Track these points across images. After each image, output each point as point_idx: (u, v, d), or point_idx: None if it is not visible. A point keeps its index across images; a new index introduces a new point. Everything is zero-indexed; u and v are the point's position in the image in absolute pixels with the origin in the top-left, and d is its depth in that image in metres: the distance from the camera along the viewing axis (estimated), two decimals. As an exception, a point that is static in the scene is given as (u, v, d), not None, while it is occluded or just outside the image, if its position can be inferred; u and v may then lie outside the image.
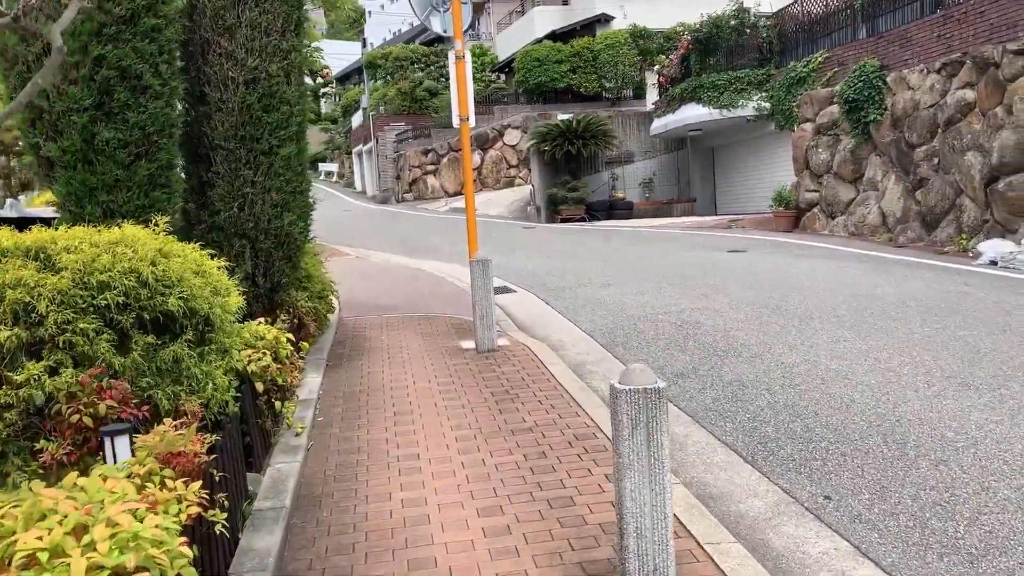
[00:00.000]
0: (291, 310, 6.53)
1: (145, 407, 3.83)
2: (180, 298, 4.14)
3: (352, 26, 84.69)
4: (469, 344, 7.68)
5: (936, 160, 14.24)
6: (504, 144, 30.32)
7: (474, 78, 36.96)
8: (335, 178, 45.10)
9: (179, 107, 6.10)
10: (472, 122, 7.63)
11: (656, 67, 24.19)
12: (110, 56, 5.21)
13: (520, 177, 30.39)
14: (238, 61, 6.05)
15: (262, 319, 5.31)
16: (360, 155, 38.73)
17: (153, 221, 4.60)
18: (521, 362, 6.90)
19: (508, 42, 36.75)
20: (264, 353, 4.76)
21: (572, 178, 23.61)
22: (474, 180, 31.11)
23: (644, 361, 7.21)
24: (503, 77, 37.48)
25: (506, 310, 9.93)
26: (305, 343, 5.97)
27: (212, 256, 4.89)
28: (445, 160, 30.77)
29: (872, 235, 15.75)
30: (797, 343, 7.34)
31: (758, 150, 21.61)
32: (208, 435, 3.62)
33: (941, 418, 5.24)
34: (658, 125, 23.48)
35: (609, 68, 29.79)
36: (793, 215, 17.91)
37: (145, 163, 5.36)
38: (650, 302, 9.72)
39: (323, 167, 47.47)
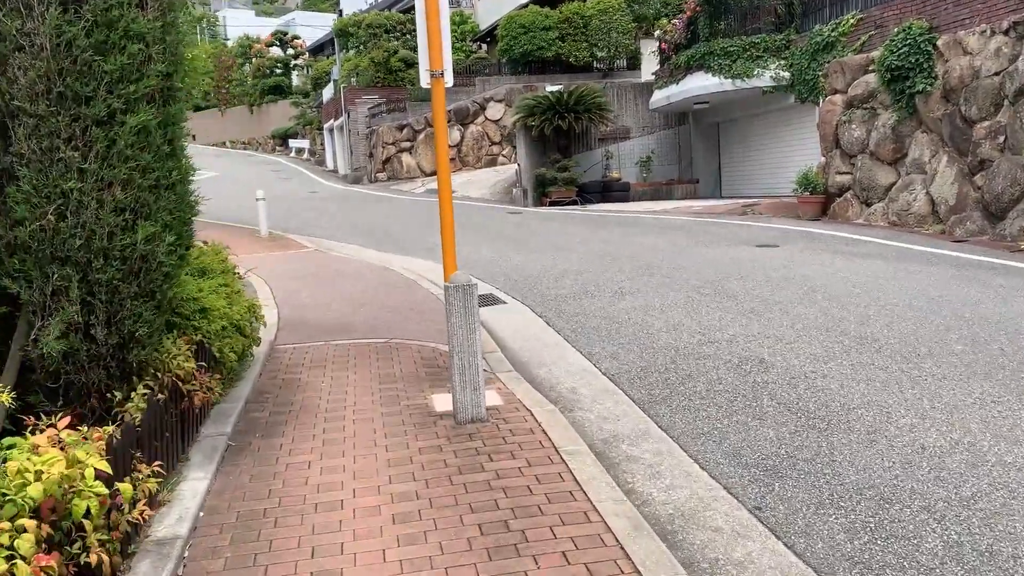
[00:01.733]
0: (160, 375, 4.09)
1: None
2: None
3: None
4: (444, 404, 5.28)
5: (1002, 138, 11.94)
6: (486, 119, 27.79)
7: (454, 48, 34.33)
8: (306, 155, 42.28)
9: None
10: (449, 80, 5.20)
11: (657, 32, 21.70)
12: None
13: (503, 155, 27.92)
14: (50, -34, 3.58)
15: (64, 421, 2.88)
16: (331, 131, 35.97)
17: None
18: (524, 448, 4.50)
19: (491, 8, 34.08)
20: (23, 531, 2.34)
21: (562, 156, 21.15)
22: (453, 159, 28.58)
23: (707, 435, 4.86)
24: (484, 47, 34.85)
25: (495, 332, 7.55)
26: (143, 472, 3.44)
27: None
28: (422, 136, 28.18)
29: (919, 225, 13.46)
30: (925, 405, 5.01)
31: (774, 126, 19.26)
32: None
33: None
34: (659, 97, 21.04)
35: (601, 36, 27.25)
36: (821, 201, 15.59)
37: None
38: (685, 323, 7.36)
39: (293, 144, 44.59)
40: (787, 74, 17.40)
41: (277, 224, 17.54)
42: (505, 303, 8.89)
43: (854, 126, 14.99)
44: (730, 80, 18.14)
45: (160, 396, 3.96)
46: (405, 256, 12.95)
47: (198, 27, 75.49)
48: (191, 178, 4.32)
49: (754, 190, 20.22)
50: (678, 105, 20.65)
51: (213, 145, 51.35)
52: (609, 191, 21.41)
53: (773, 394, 5.38)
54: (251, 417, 5.20)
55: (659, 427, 4.98)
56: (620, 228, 15.10)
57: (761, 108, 19.01)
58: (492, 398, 5.31)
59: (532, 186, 21.20)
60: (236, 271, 6.18)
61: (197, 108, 55.81)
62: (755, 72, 17.76)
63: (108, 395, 3.87)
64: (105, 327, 3.77)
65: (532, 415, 4.99)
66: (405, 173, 28.31)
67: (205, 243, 6.15)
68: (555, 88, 21.63)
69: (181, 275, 4.35)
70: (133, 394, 3.83)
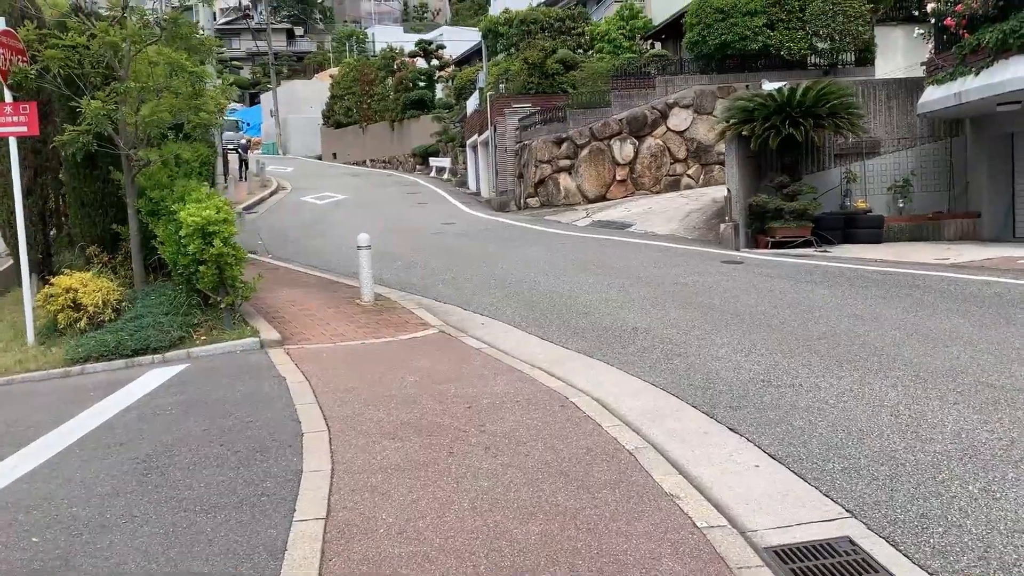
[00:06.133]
0: None
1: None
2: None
3: (477, 12, 78.08)
4: None
5: None
6: (668, 130, 21.99)
7: (624, 49, 28.73)
8: (446, 175, 37.69)
9: None
10: None
11: (932, 6, 15.22)
12: None
13: (689, 175, 22.04)
14: None
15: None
16: (475, 147, 31.12)
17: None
18: None
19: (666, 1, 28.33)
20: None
21: (790, 178, 15.11)
22: (624, 180, 22.92)
23: None
24: (658, 45, 29.12)
25: None
26: None
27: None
28: (585, 153, 22.67)
29: None
30: None
31: None
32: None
33: None
34: (939, 96, 14.61)
35: (823, 22, 20.89)
36: None
37: None
38: None
39: (434, 163, 40.16)
40: None
41: (392, 275, 12.46)
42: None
43: None
44: (1084, 63, 11.64)
45: None
46: (590, 359, 7.40)
47: (347, 44, 73.50)
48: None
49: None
50: (972, 107, 14.16)
51: (354, 164, 47.95)
52: (853, 228, 15.19)
53: None
54: None
55: None
56: (950, 308, 8.94)
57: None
58: None
59: (745, 219, 15.24)
60: None
61: (339, 124, 52.81)
62: None
63: None
64: None
65: None
66: (563, 199, 22.87)
67: None
68: (778, 85, 15.61)
69: None
70: None
